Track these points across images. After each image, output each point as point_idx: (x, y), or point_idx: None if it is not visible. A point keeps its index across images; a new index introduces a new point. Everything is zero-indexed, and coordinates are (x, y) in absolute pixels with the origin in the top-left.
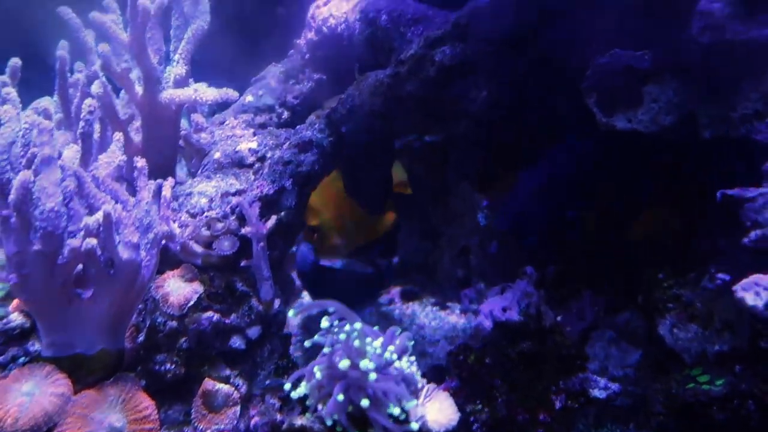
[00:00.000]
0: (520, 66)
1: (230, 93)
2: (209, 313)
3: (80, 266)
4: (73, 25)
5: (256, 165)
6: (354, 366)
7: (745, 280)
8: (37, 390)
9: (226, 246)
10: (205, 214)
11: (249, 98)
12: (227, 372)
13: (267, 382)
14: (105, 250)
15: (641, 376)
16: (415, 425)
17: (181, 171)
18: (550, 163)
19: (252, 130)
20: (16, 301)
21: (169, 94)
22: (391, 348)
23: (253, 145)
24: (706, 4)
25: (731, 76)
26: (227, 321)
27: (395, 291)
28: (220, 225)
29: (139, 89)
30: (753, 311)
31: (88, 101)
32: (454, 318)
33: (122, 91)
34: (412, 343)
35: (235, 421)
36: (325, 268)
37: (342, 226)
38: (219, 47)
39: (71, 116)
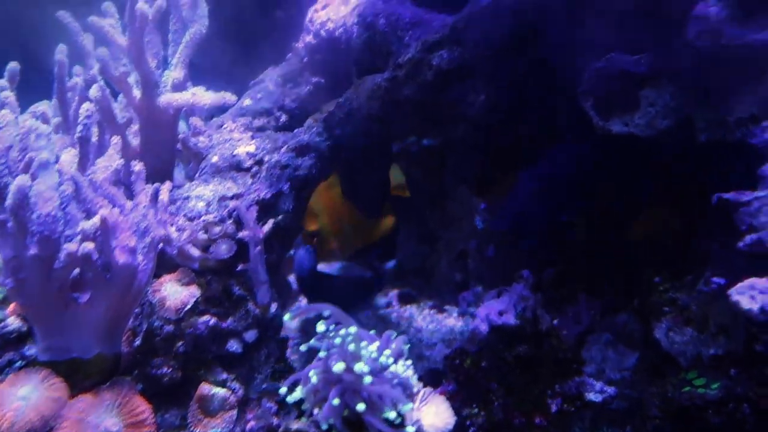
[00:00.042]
0: (518, 70)
1: (228, 97)
2: (206, 317)
3: (77, 270)
4: (72, 29)
5: (254, 168)
6: (349, 370)
7: (740, 284)
8: (33, 394)
9: (223, 250)
10: (203, 217)
11: (247, 102)
12: (224, 376)
13: (263, 385)
14: (102, 255)
15: (637, 380)
16: (411, 429)
17: (178, 174)
18: (550, 163)
19: (250, 134)
20: (13, 305)
21: (167, 98)
22: (387, 352)
23: (251, 148)
24: (702, 8)
25: (727, 80)
26: (224, 325)
27: (393, 294)
28: (217, 229)
29: (137, 93)
30: (748, 315)
31: (86, 105)
32: (451, 321)
33: (120, 95)
34: (409, 346)
35: (232, 425)
36: (322, 272)
37: (340, 230)
38: (217, 51)
39: (69, 120)
